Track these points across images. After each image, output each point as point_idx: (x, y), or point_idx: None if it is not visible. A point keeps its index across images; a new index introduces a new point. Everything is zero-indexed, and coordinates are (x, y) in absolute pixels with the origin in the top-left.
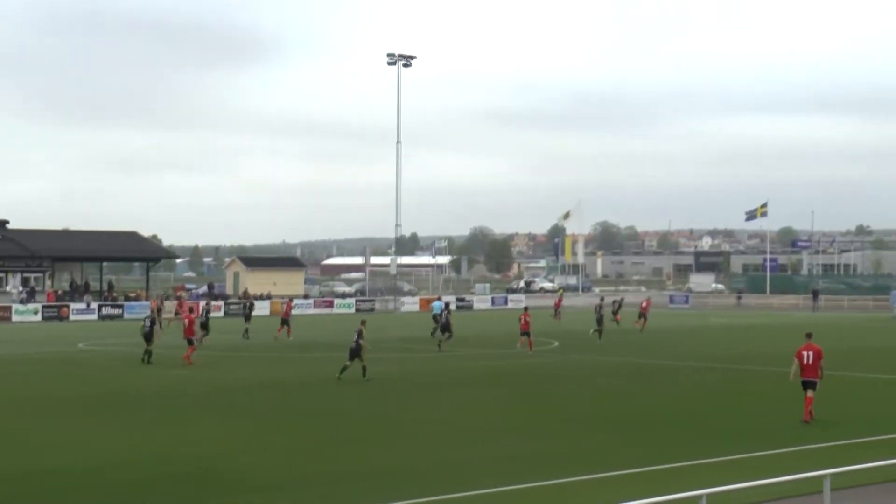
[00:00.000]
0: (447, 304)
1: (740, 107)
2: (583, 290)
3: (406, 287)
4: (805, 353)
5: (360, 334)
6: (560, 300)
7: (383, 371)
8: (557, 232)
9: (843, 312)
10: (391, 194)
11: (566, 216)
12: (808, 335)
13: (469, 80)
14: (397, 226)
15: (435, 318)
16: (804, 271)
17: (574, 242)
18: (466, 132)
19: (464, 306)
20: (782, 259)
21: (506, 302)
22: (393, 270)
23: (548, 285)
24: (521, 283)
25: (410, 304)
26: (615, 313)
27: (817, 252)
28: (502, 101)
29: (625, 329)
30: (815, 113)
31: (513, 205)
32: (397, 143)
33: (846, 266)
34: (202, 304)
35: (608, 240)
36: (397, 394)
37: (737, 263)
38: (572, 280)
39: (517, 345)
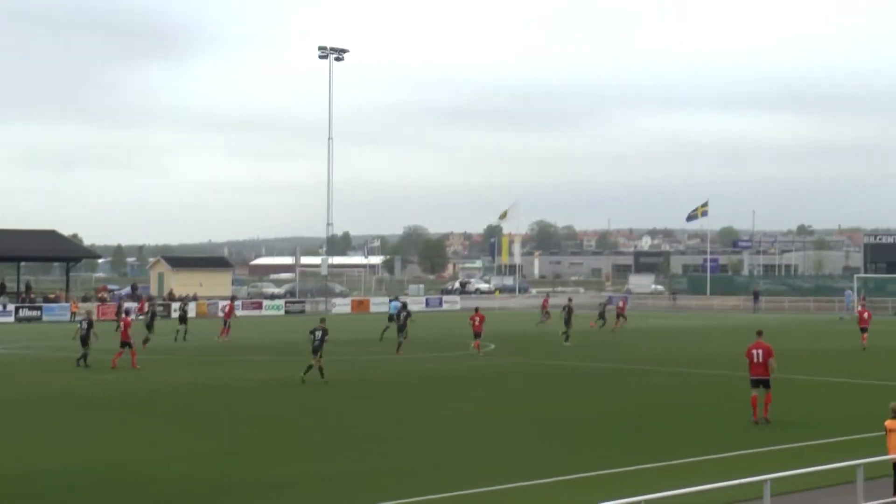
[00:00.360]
0: (405, 305)
1: (682, 104)
2: (520, 292)
3: (338, 288)
4: (755, 352)
5: (324, 332)
6: (547, 300)
7: (313, 375)
8: (494, 231)
9: (784, 314)
10: (322, 192)
11: (503, 216)
12: (759, 333)
13: (404, 76)
14: (328, 225)
15: (391, 317)
16: (745, 272)
17: (511, 242)
18: (401, 129)
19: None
20: (723, 259)
21: (440, 303)
22: (324, 271)
23: (483, 286)
24: (457, 284)
25: (342, 305)
26: (602, 315)
27: (758, 252)
28: (438, 97)
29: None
30: (756, 111)
31: (448, 204)
32: (329, 139)
33: (787, 267)
34: (147, 304)
35: (546, 239)
36: (328, 399)
37: (677, 264)
38: (509, 281)
39: (471, 346)
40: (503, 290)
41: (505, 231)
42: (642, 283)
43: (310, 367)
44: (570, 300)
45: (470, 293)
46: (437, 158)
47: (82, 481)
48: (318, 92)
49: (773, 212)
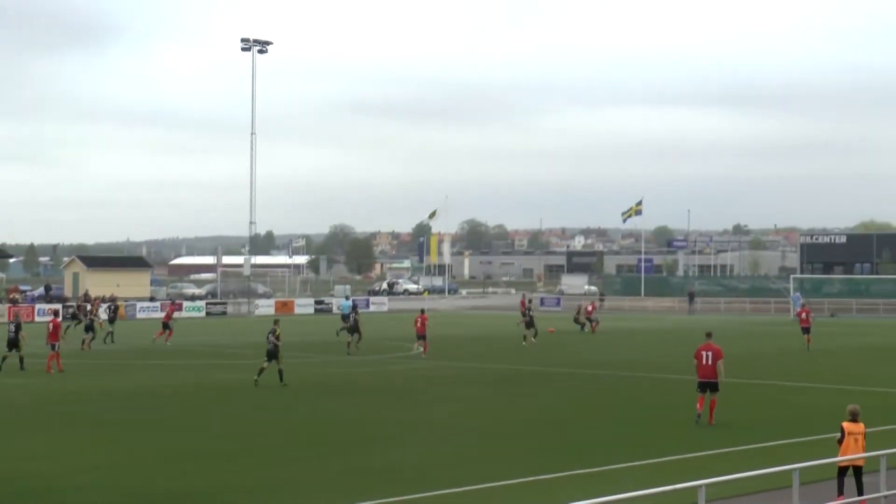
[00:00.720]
0: (356, 306)
1: (616, 100)
2: (449, 293)
3: (261, 289)
4: (704, 353)
5: (275, 335)
6: (524, 301)
7: (238, 381)
8: (422, 230)
9: (719, 315)
10: (245, 190)
11: (433, 214)
12: (708, 335)
13: (330, 69)
14: (251, 223)
15: (344, 317)
16: (680, 272)
17: (440, 242)
18: (327, 124)
19: (322, 309)
20: (658, 259)
21: (367, 305)
22: (247, 271)
23: (412, 287)
24: (384, 285)
25: (265, 306)
26: (578, 319)
27: (693, 252)
28: (366, 92)
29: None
30: (692, 107)
31: (375, 202)
32: (252, 134)
33: (723, 267)
34: (88, 305)
35: (476, 239)
36: (247, 406)
37: (610, 264)
38: (438, 282)
39: (413, 347)
40: (432, 291)
41: (434, 230)
42: (575, 283)
43: (261, 370)
44: (530, 301)
45: (398, 294)
46: (365, 155)
47: None
48: (241, 86)
49: (708, 211)
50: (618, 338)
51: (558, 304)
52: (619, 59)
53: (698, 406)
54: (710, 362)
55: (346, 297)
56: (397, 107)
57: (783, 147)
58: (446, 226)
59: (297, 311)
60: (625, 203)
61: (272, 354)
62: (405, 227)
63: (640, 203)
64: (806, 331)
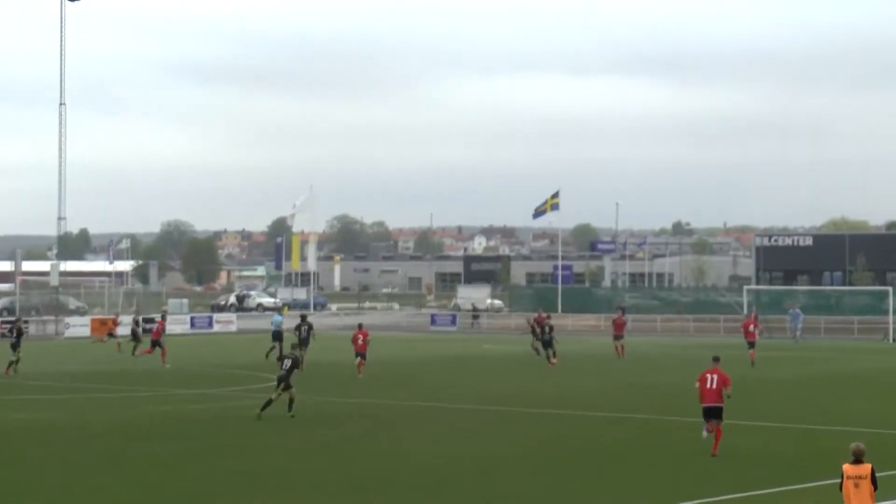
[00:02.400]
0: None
1: (523, 68)
2: (315, 308)
3: (73, 303)
4: (709, 377)
5: (294, 361)
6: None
7: (40, 419)
8: (280, 229)
9: (655, 336)
10: (52, 177)
11: (294, 208)
12: (715, 359)
13: (160, 24)
14: (61, 220)
15: (276, 335)
16: (606, 282)
17: (304, 243)
18: (156, 94)
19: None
20: (578, 266)
21: (211, 324)
22: (54, 281)
23: (267, 300)
24: (232, 298)
25: (79, 325)
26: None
27: (623, 257)
28: (207, 51)
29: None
30: (619, 77)
31: (221, 192)
32: (61, 105)
33: (660, 276)
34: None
35: (350, 240)
36: (55, 449)
37: (519, 272)
38: (301, 294)
39: (357, 371)
40: (293, 305)
41: (296, 229)
42: (475, 296)
43: (269, 401)
44: (548, 317)
45: (250, 310)
46: (206, 134)
47: None
48: (44, 43)
49: (641, 206)
50: (526, 365)
51: (454, 322)
52: (523, 15)
53: (708, 426)
54: (714, 386)
55: (280, 312)
56: (247, 72)
57: (733, 127)
58: (311, 223)
59: (119, 331)
60: (537, 196)
61: (283, 380)
62: (258, 224)
63: (556, 195)
64: (751, 345)
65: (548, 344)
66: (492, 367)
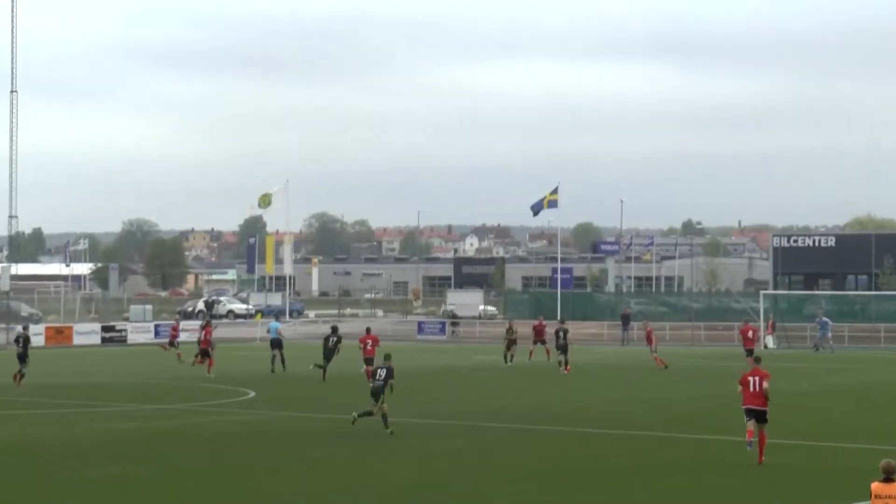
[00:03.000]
0: (336, 328)
1: (516, 49)
2: (291, 315)
3: (25, 309)
4: (752, 379)
5: (389, 371)
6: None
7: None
8: (253, 228)
9: (664, 345)
10: (2, 171)
11: (265, 201)
12: (757, 360)
13: (118, 7)
14: (12, 218)
15: (275, 343)
16: (610, 287)
17: (278, 244)
18: (117, 81)
19: (114, 338)
20: (579, 269)
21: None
22: (5, 285)
23: (239, 307)
24: (200, 305)
25: (32, 335)
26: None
27: (628, 260)
28: (171, 35)
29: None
30: (621, 58)
31: (188, 188)
32: (12, 92)
33: (668, 279)
34: (19, 329)
35: (329, 240)
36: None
37: (515, 275)
38: (276, 300)
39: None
40: (267, 312)
41: (270, 228)
42: (467, 302)
43: (368, 413)
44: (563, 321)
45: (220, 317)
46: (171, 124)
47: None
48: None
49: (648, 203)
50: (522, 378)
51: (443, 330)
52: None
53: (748, 435)
54: (757, 389)
55: (277, 318)
56: (215, 57)
57: (749, 116)
58: (287, 222)
59: (76, 340)
60: (534, 192)
61: (378, 393)
62: (229, 223)
63: (555, 191)
64: (749, 353)
65: (563, 350)
66: (484, 379)
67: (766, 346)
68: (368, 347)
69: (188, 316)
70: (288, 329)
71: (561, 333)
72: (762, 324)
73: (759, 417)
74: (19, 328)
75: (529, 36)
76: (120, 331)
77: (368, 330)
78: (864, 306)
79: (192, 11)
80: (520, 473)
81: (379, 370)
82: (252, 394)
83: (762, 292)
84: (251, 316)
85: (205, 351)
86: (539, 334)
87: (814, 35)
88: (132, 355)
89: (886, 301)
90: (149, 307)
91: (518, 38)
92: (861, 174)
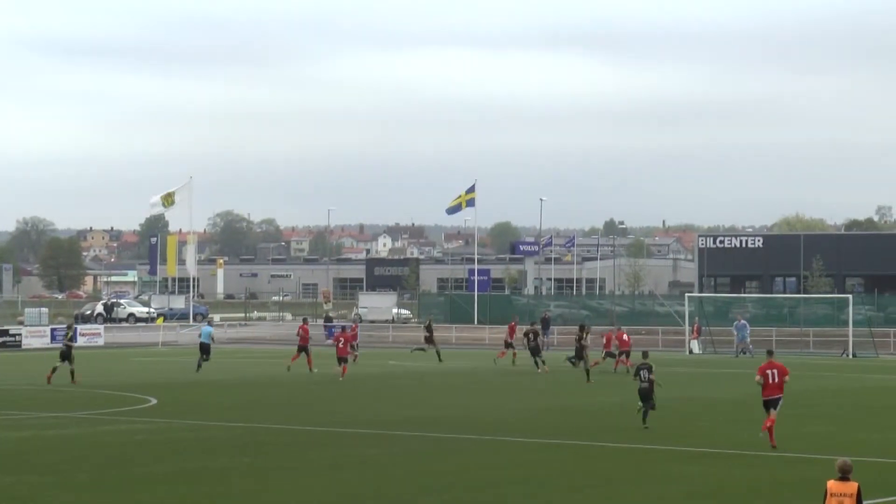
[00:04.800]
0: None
1: (420, 40)
2: (195, 318)
3: None
4: (769, 372)
5: (649, 368)
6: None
7: None
8: (154, 227)
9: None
10: None
11: (168, 200)
12: (770, 353)
13: None
14: None
15: (203, 346)
16: (529, 289)
17: (181, 244)
18: (6, 72)
19: (7, 343)
20: (497, 271)
21: (75, 337)
22: None
23: (140, 310)
24: (99, 308)
25: None
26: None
27: (548, 261)
28: (68, 25)
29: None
30: (541, 50)
31: (86, 185)
32: None
33: (590, 281)
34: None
35: (234, 241)
36: None
37: (430, 277)
38: (179, 302)
39: (340, 374)
40: (169, 315)
41: (173, 227)
42: (379, 305)
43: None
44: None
45: (119, 321)
46: (67, 118)
47: None
48: None
49: (569, 202)
50: (436, 385)
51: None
52: None
53: (765, 424)
54: (776, 380)
55: (209, 323)
56: (113, 48)
57: (673, 113)
58: (190, 221)
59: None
60: (449, 190)
61: (648, 396)
62: (129, 222)
63: (471, 190)
64: (622, 354)
65: (536, 351)
66: (398, 385)
67: (690, 352)
68: (341, 345)
69: (86, 319)
70: (191, 334)
71: (531, 335)
72: (687, 328)
73: (775, 405)
74: None
75: (445, 28)
76: (14, 335)
77: (343, 328)
78: (793, 309)
79: (93, 1)
80: (437, 483)
81: (642, 371)
82: (153, 401)
83: (687, 295)
84: (153, 319)
85: (303, 348)
86: (511, 336)
87: (736, 34)
88: (27, 360)
89: (815, 305)
90: (45, 310)
91: (433, 29)
92: (789, 173)
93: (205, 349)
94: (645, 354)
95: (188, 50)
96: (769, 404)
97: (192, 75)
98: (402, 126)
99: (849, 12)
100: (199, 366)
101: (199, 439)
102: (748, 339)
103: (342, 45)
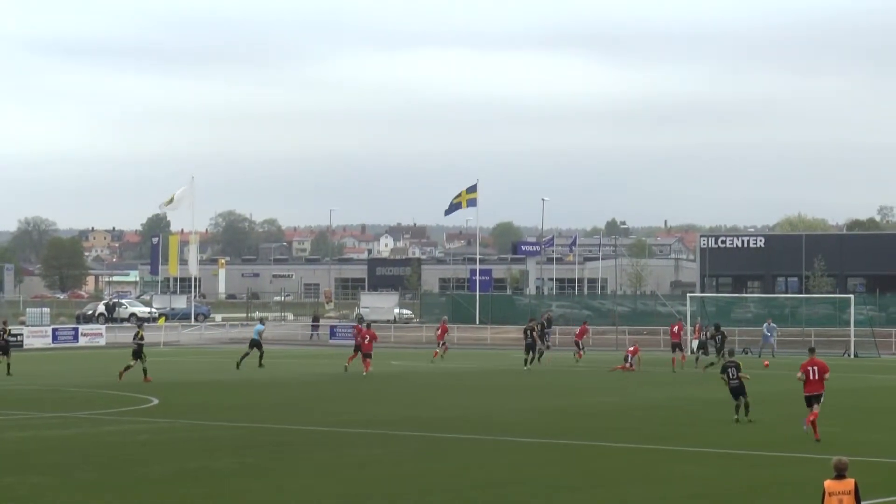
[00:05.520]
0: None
1: (430, 41)
2: (197, 318)
3: None
4: (810, 369)
5: (737, 366)
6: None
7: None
8: (156, 227)
9: (587, 349)
10: None
11: (170, 202)
12: (811, 350)
13: None
14: None
15: (254, 343)
16: (531, 289)
17: (183, 244)
18: (9, 72)
19: (10, 343)
20: (499, 271)
21: (76, 337)
22: None
23: (142, 310)
24: (101, 308)
25: None
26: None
27: (550, 261)
28: (70, 25)
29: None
30: (543, 51)
31: (88, 186)
32: None
33: (592, 282)
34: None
35: (237, 241)
36: None
37: (432, 277)
38: (180, 302)
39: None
40: (172, 315)
41: (174, 227)
42: (381, 305)
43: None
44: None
45: (121, 321)
46: (68, 117)
47: None
48: None
49: (571, 202)
50: (440, 385)
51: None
52: None
53: (809, 418)
54: (816, 377)
55: (261, 321)
56: (115, 49)
57: (675, 112)
58: (192, 221)
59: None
60: (451, 190)
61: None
62: (131, 222)
63: (473, 189)
64: (676, 347)
65: (531, 347)
66: (402, 386)
67: (692, 352)
68: (366, 342)
69: (88, 319)
70: (193, 334)
71: (528, 332)
72: (689, 328)
73: (817, 400)
74: None
75: (445, 28)
76: (16, 335)
77: (369, 325)
78: (795, 309)
79: (94, 1)
80: (438, 483)
81: (731, 369)
82: (155, 401)
83: (689, 295)
84: (154, 319)
85: (363, 352)
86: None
87: (740, 34)
88: (29, 360)
89: (816, 304)
90: (46, 310)
91: (434, 29)
92: (791, 173)
93: (255, 344)
94: (731, 353)
95: (189, 50)
96: (811, 400)
97: (194, 75)
98: (404, 126)
99: (850, 12)
100: (241, 361)
101: (201, 439)
102: (773, 342)
103: (343, 46)
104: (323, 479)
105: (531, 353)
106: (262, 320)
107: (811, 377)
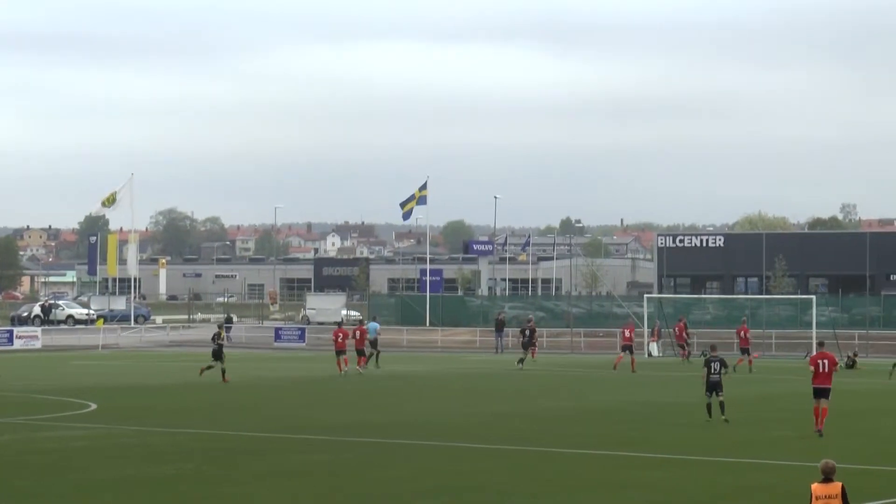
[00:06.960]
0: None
1: (377, 32)
2: (137, 320)
3: None
4: (820, 362)
5: (722, 363)
6: (630, 331)
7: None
8: (94, 226)
9: (540, 353)
10: None
11: (110, 200)
12: (821, 344)
13: None
14: None
15: (372, 342)
16: (483, 290)
17: (122, 243)
18: None
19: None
20: (450, 271)
21: (11, 339)
22: None
23: (79, 311)
24: (37, 309)
25: None
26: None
27: (502, 260)
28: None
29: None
30: (493, 42)
31: (22, 183)
32: None
33: (546, 282)
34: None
35: (178, 240)
36: None
37: (381, 277)
38: (119, 303)
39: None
40: (110, 317)
41: (113, 226)
42: (328, 306)
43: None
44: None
45: (58, 323)
46: (1, 108)
47: None
48: None
49: (524, 200)
50: (391, 388)
51: (302, 337)
52: None
53: (815, 415)
54: (826, 370)
55: (374, 319)
56: (48, 39)
57: (631, 107)
58: (131, 219)
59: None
60: (400, 187)
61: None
62: (68, 220)
63: (423, 187)
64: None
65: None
66: (348, 390)
67: (649, 354)
68: (358, 338)
69: (23, 321)
70: (133, 336)
71: (525, 332)
72: (646, 329)
73: (825, 395)
74: None
75: (394, 20)
76: None
77: (362, 322)
78: (755, 310)
79: None
80: (384, 490)
81: (715, 363)
82: (93, 406)
83: (646, 296)
84: (92, 321)
85: (361, 350)
86: (681, 338)
87: (696, 27)
88: None
89: (778, 305)
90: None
91: (382, 22)
92: (750, 170)
93: (373, 344)
94: (713, 347)
95: (128, 41)
96: (819, 393)
97: (133, 68)
98: (351, 121)
99: (811, 7)
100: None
101: (139, 445)
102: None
103: (289, 38)
104: (266, 486)
105: (526, 350)
106: (374, 318)
107: (821, 370)
